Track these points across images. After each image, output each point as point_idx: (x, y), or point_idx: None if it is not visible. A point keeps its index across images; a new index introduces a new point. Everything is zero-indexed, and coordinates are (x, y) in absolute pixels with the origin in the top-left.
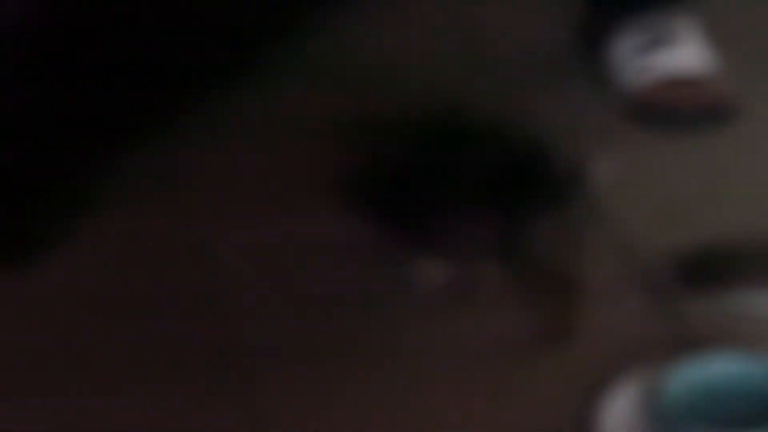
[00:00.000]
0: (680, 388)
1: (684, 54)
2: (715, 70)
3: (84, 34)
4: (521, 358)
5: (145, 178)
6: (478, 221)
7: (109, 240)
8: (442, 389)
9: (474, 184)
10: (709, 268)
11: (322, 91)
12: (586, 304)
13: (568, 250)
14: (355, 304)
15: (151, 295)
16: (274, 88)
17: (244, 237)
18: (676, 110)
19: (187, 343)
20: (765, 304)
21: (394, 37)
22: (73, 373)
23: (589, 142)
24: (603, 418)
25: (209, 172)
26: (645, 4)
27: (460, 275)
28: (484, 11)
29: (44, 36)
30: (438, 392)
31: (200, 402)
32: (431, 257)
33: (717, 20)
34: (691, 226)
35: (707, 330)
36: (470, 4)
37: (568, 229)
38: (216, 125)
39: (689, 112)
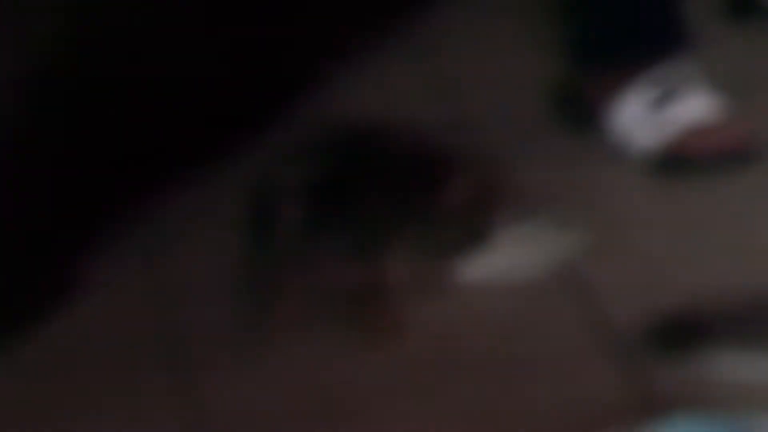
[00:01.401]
0: None
1: (699, 102)
2: (731, 114)
3: None
4: None
5: None
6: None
7: None
8: None
9: None
10: (678, 332)
11: None
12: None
13: None
14: None
15: None
16: None
17: None
18: (704, 159)
19: None
20: (733, 366)
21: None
22: None
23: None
24: None
25: None
26: (648, 59)
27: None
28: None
29: None
30: None
31: None
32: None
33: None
34: (661, 290)
35: (675, 393)
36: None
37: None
38: None
39: (717, 159)
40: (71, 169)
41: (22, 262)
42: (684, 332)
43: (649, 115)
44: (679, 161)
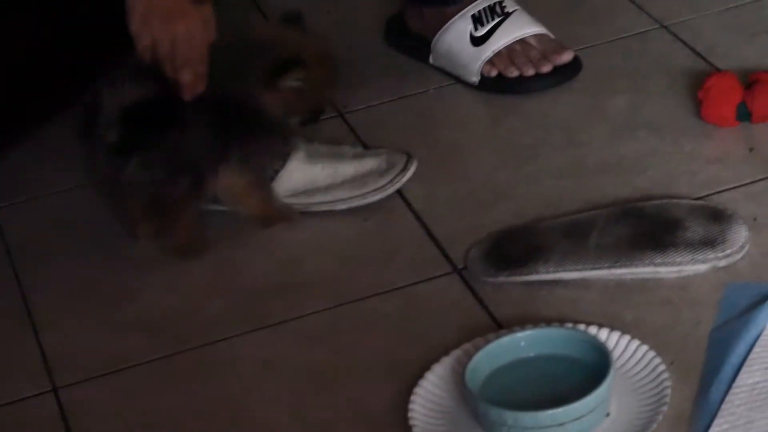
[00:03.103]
0: (487, 368)
1: (517, 26)
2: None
3: None
4: None
5: None
6: None
7: None
8: None
9: None
10: (509, 251)
11: None
12: None
13: None
14: None
15: None
16: None
17: None
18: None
19: None
20: (563, 281)
21: None
22: None
23: None
24: (416, 400)
25: None
26: None
27: None
28: None
29: None
30: None
31: None
32: None
33: None
34: (490, 210)
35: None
36: None
37: None
38: None
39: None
40: None
41: None
42: (515, 251)
43: (469, 44)
44: (502, 81)
